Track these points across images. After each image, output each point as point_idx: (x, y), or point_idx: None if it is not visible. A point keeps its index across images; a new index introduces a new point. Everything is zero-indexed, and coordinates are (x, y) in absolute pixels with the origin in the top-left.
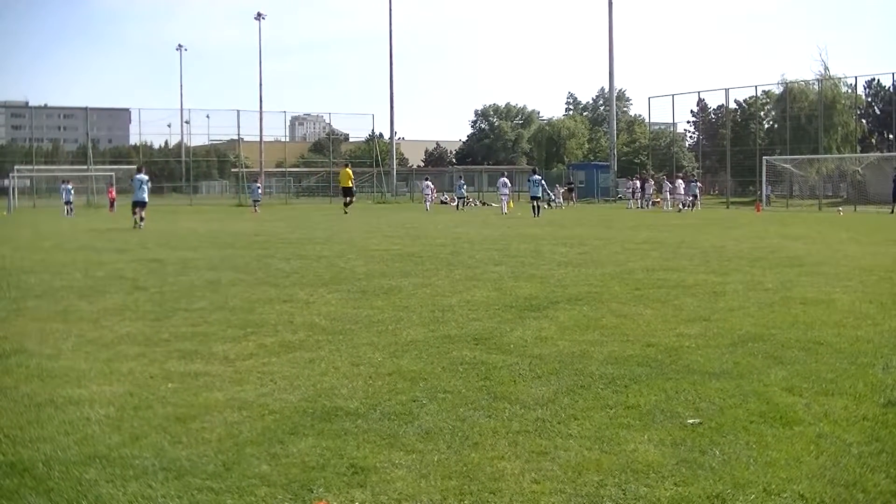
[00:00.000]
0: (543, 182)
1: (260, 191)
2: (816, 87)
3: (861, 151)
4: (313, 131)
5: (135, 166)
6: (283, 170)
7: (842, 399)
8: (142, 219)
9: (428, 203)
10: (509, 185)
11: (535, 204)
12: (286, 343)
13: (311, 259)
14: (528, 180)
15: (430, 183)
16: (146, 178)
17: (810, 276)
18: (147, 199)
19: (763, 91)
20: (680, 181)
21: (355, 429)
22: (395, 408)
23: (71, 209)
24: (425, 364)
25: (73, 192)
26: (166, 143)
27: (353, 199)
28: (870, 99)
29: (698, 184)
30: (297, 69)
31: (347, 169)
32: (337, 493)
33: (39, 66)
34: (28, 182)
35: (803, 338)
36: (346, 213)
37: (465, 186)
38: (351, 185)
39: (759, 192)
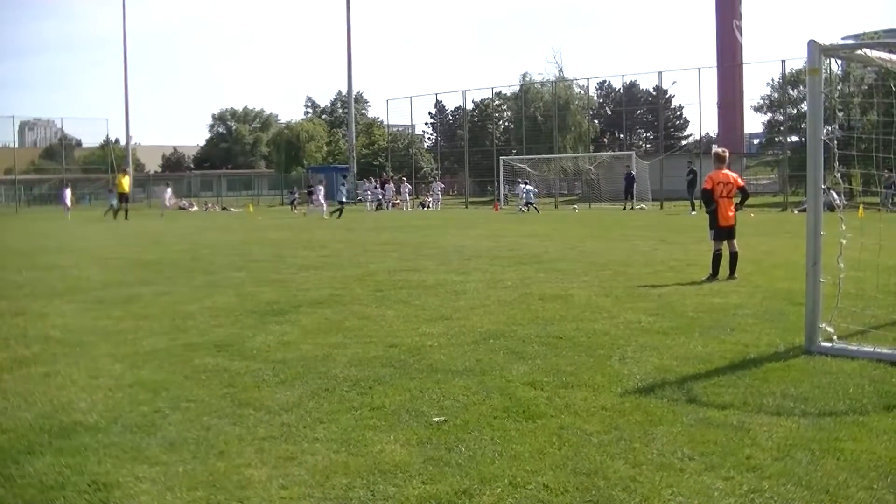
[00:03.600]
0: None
1: (322, 193)
2: (551, 87)
3: (594, 151)
4: (44, 137)
5: None
6: (13, 177)
7: (581, 391)
8: None
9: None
10: (322, 190)
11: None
12: (19, 358)
13: (45, 269)
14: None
15: (113, 192)
16: None
17: (548, 273)
18: None
19: (499, 92)
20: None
21: (96, 444)
22: (138, 420)
23: None
24: (167, 373)
25: None
26: None
27: (126, 204)
28: (601, 100)
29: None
30: (26, 72)
31: (122, 175)
32: None
33: None
34: None
35: (543, 333)
36: (126, 218)
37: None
38: (126, 190)
39: (496, 192)
